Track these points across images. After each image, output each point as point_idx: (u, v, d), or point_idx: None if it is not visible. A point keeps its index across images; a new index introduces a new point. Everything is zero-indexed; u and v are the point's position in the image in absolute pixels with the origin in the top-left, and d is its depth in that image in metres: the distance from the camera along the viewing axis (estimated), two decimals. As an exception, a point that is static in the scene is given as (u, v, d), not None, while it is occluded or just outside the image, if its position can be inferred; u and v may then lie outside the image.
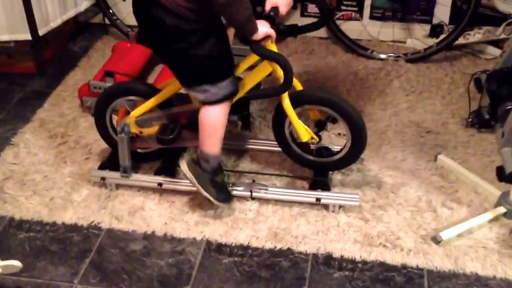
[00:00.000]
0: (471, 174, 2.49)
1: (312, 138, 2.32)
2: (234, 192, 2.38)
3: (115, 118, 2.50)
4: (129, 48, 3.19)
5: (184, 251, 2.21)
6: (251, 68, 2.27)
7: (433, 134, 2.79)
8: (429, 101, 3.02)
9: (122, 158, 2.41)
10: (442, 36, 3.38)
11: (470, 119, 2.78)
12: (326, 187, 2.40)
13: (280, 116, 2.35)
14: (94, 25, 3.84)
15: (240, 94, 2.29)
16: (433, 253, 2.17)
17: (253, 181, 2.46)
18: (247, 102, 2.59)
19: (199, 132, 2.21)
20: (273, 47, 2.14)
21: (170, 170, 2.50)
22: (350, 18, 3.59)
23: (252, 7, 2.01)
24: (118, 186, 2.48)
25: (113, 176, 2.46)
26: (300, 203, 2.38)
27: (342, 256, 2.17)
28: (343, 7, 3.57)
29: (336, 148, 2.50)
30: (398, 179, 2.52)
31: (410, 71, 3.27)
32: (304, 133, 2.29)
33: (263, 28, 2.06)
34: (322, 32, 3.58)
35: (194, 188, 2.38)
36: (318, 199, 2.33)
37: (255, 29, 2.04)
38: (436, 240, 2.20)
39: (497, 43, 3.34)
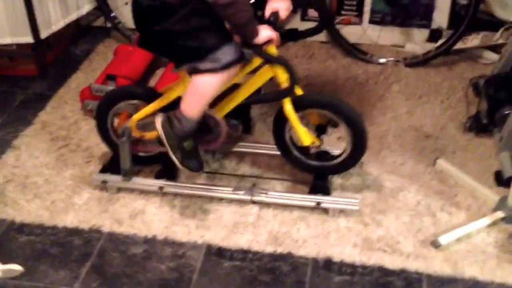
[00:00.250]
0: (470, 178, 2.51)
1: (313, 142, 2.33)
2: (235, 196, 2.40)
3: (116, 121, 2.52)
4: (131, 52, 3.20)
5: (184, 255, 2.22)
6: (253, 71, 2.28)
7: (432, 138, 2.80)
8: (428, 106, 3.04)
9: (123, 162, 2.43)
10: (440, 41, 3.40)
11: (468, 124, 2.80)
12: (326, 191, 2.42)
13: (281, 120, 2.36)
14: (96, 28, 3.85)
15: (241, 99, 2.31)
16: (432, 257, 2.18)
17: (254, 185, 2.47)
18: (248, 106, 2.60)
19: (186, 91, 2.19)
20: (274, 51, 2.16)
21: (171, 174, 2.51)
22: (349, 23, 3.60)
23: (253, 11, 2.04)
24: (119, 189, 2.50)
25: (114, 179, 2.47)
26: (301, 207, 2.40)
27: (342, 261, 2.19)
28: (343, 12, 3.58)
29: (336, 152, 2.51)
30: (398, 183, 2.53)
31: (409, 76, 3.29)
32: (306, 137, 2.30)
33: (266, 31, 2.08)
34: (322, 36, 3.59)
35: (196, 192, 2.40)
36: (318, 203, 2.35)
37: (255, 33, 2.06)
38: (435, 245, 2.21)
39: (494, 48, 3.36)
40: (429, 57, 3.37)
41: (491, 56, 3.36)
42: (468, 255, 2.19)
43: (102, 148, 2.67)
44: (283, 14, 2.21)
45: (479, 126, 2.75)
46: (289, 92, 2.20)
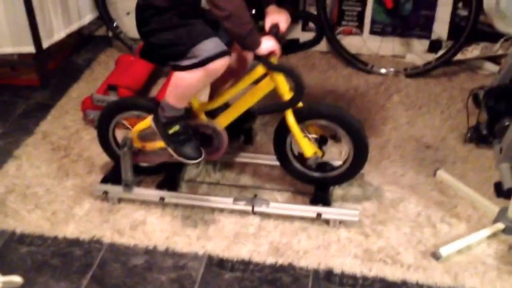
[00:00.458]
0: (470, 189, 2.51)
1: (315, 153, 2.34)
2: (236, 207, 2.41)
3: (118, 131, 2.53)
4: (132, 62, 3.21)
5: (185, 266, 2.22)
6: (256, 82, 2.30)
7: (432, 149, 2.81)
8: (428, 116, 3.05)
9: (124, 173, 2.43)
10: (440, 52, 3.41)
11: (468, 135, 2.81)
12: (326, 202, 2.42)
13: (282, 132, 2.37)
14: (98, 37, 3.86)
15: (242, 110, 2.32)
16: (433, 269, 2.19)
17: (255, 195, 2.48)
18: (251, 117, 2.61)
19: (169, 82, 2.20)
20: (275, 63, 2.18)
21: (172, 184, 2.52)
22: (350, 33, 3.62)
23: (254, 22, 2.05)
24: (120, 199, 2.50)
25: (115, 190, 2.48)
26: (301, 218, 2.40)
27: (342, 272, 2.19)
28: (343, 22, 3.60)
29: (336, 163, 2.52)
30: (398, 194, 2.54)
31: (410, 86, 3.30)
32: (308, 148, 2.31)
33: (269, 42, 2.10)
34: (323, 46, 3.61)
35: (197, 202, 2.41)
36: (319, 215, 2.35)
37: (257, 44, 2.08)
38: (436, 257, 2.21)
39: (494, 59, 3.37)
40: (429, 68, 3.38)
41: (491, 67, 3.38)
42: (468, 266, 2.20)
43: (103, 158, 2.67)
44: (283, 26, 2.24)
45: (479, 137, 2.76)
46: (296, 101, 2.20)
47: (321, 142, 2.42)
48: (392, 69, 3.43)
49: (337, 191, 2.55)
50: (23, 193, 2.57)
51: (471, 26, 3.19)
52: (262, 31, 2.19)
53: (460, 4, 3.40)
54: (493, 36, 3.28)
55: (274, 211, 2.40)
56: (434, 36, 3.51)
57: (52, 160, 2.77)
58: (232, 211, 2.44)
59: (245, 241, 2.32)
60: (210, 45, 2.06)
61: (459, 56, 3.36)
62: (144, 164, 2.56)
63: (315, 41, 2.44)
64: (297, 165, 2.46)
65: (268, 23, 2.23)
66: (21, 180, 2.65)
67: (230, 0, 1.98)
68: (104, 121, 2.49)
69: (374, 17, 3.56)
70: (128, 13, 3.54)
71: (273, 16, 2.25)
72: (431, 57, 3.44)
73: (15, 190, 2.59)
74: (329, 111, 2.33)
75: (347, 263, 2.22)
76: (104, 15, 3.63)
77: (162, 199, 2.45)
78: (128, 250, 2.29)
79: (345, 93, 3.25)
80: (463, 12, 3.38)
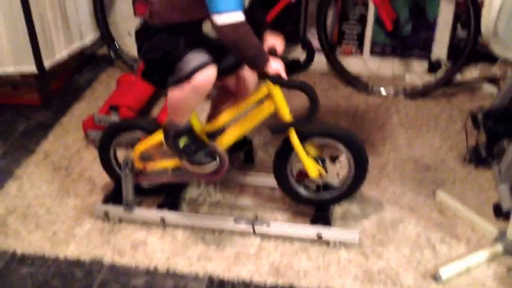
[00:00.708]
0: (469, 210, 2.52)
1: (320, 173, 2.35)
2: (237, 227, 2.42)
3: (120, 152, 2.54)
4: (134, 81, 3.23)
5: (186, 287, 2.22)
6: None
7: (431, 169, 2.82)
8: (427, 136, 3.07)
9: (125, 193, 2.44)
10: (440, 72, 3.44)
11: (467, 156, 2.82)
12: (327, 222, 2.43)
13: (285, 151, 2.38)
14: (99, 57, 3.89)
15: (243, 132, 2.34)
16: (432, 290, 2.20)
17: (256, 216, 2.48)
18: (247, 141, 2.62)
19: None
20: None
21: (173, 204, 2.53)
22: (350, 53, 3.65)
23: (259, 42, 2.08)
24: (121, 220, 2.51)
25: (116, 210, 2.49)
26: (302, 238, 2.41)
27: (342, 293, 2.20)
28: (344, 42, 3.62)
29: (335, 182, 2.52)
30: (398, 215, 2.55)
31: (409, 107, 3.33)
32: (313, 168, 2.32)
33: (276, 64, 2.14)
34: (323, 66, 3.63)
35: (198, 223, 2.41)
36: (319, 236, 2.36)
37: (266, 62, 2.12)
38: (436, 278, 2.22)
39: (493, 80, 3.40)
40: (429, 89, 3.41)
41: (490, 88, 3.40)
42: (468, 288, 2.21)
43: (104, 177, 2.68)
44: (280, 49, 2.30)
45: (478, 158, 2.77)
46: (311, 118, 2.21)
47: (321, 161, 2.43)
48: (392, 89, 3.45)
49: (337, 210, 2.55)
50: (23, 213, 2.58)
51: (470, 47, 3.22)
52: None
53: (459, 26, 3.43)
54: (492, 57, 3.31)
55: (274, 232, 2.41)
56: (433, 57, 3.53)
57: (53, 180, 2.78)
58: (232, 232, 2.44)
59: (245, 261, 2.32)
60: (193, 58, 2.10)
61: (458, 77, 3.39)
62: (145, 184, 2.57)
63: (305, 64, 2.46)
64: (298, 187, 2.47)
65: (265, 47, 2.29)
66: (22, 200, 2.66)
67: (235, 27, 2.01)
68: (105, 142, 2.51)
69: (374, 38, 3.58)
70: (129, 33, 3.57)
71: (269, 40, 2.33)
72: (431, 77, 3.47)
73: (16, 210, 2.60)
74: (331, 129, 2.37)
75: (347, 284, 2.22)
76: (105, 35, 3.66)
77: (163, 219, 2.45)
78: (128, 270, 2.29)
79: (345, 113, 3.27)
80: (462, 34, 3.41)
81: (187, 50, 2.12)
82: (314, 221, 2.44)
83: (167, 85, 2.17)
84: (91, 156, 2.91)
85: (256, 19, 2.31)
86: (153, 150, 2.40)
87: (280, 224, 2.46)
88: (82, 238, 2.44)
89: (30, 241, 2.43)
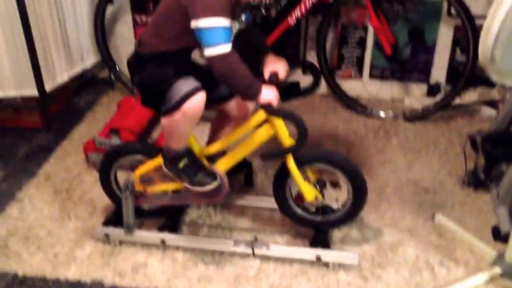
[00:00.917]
0: (468, 233, 2.52)
1: (316, 197, 2.37)
2: (236, 249, 2.42)
3: (120, 174, 2.56)
4: (134, 105, 3.25)
5: (186, 309, 2.23)
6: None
7: (430, 192, 2.84)
8: (426, 160, 3.08)
9: (126, 216, 2.46)
10: (439, 96, 3.47)
11: (466, 179, 2.84)
12: (326, 244, 2.44)
13: (282, 176, 2.40)
14: (100, 80, 3.92)
15: (242, 156, 2.35)
16: (432, 313, 2.20)
17: (255, 238, 2.49)
18: (247, 163, 2.63)
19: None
20: None
21: (173, 227, 2.54)
22: (350, 77, 3.68)
23: (251, 75, 2.09)
24: (121, 242, 2.52)
25: (116, 233, 2.50)
26: (301, 260, 2.41)
27: (342, 316, 2.20)
28: (343, 66, 3.66)
29: (335, 206, 2.54)
30: (397, 237, 2.56)
31: (408, 130, 3.35)
32: (309, 192, 2.34)
33: (268, 94, 2.13)
34: (323, 89, 3.66)
35: (198, 245, 2.42)
36: (318, 258, 2.37)
37: (256, 94, 2.11)
38: (435, 302, 2.23)
39: (492, 104, 3.42)
40: (428, 112, 3.43)
41: (489, 111, 3.42)
42: (467, 311, 2.21)
43: (105, 200, 2.70)
44: (282, 74, 2.31)
45: (477, 181, 2.79)
46: (299, 146, 2.23)
47: (320, 185, 2.45)
48: (391, 113, 3.48)
49: (336, 233, 2.56)
50: (25, 235, 2.59)
51: (469, 71, 3.25)
52: (261, 76, 2.24)
53: (458, 50, 3.46)
54: (491, 81, 3.32)
55: (274, 254, 2.42)
56: (432, 81, 3.57)
57: (54, 202, 2.79)
58: (232, 254, 2.45)
59: (245, 283, 2.32)
60: (181, 86, 2.13)
61: (457, 101, 3.42)
62: (145, 207, 2.58)
63: (312, 88, 2.48)
64: (297, 209, 2.48)
65: (267, 72, 2.30)
66: (23, 222, 2.67)
67: (224, 60, 2.02)
68: (105, 165, 2.52)
69: (373, 61, 3.62)
70: (130, 57, 3.60)
71: (272, 65, 2.33)
72: (430, 101, 3.50)
73: (17, 232, 2.61)
74: (327, 156, 2.37)
75: (346, 307, 2.23)
76: (106, 58, 3.69)
77: (163, 241, 2.46)
78: (129, 293, 2.31)
79: (345, 136, 3.29)
80: (461, 58, 3.44)
81: (175, 79, 2.15)
82: (314, 243, 2.45)
83: (160, 114, 2.20)
84: (92, 178, 2.92)
85: (255, 43, 2.34)
86: (154, 173, 2.41)
87: (280, 246, 2.47)
88: (83, 261, 2.44)
89: (31, 263, 2.43)
